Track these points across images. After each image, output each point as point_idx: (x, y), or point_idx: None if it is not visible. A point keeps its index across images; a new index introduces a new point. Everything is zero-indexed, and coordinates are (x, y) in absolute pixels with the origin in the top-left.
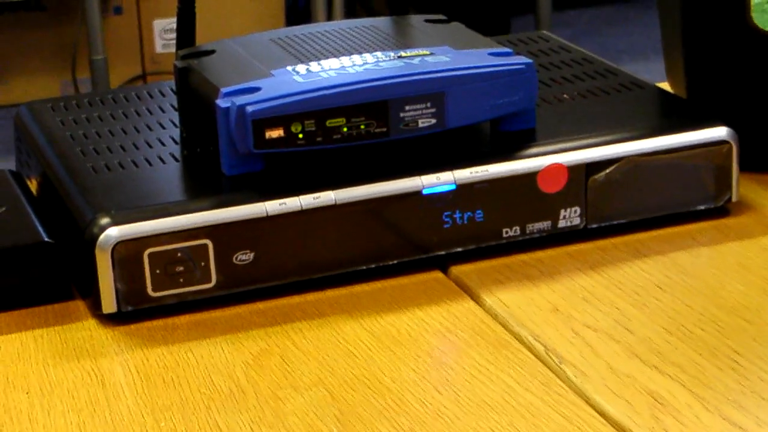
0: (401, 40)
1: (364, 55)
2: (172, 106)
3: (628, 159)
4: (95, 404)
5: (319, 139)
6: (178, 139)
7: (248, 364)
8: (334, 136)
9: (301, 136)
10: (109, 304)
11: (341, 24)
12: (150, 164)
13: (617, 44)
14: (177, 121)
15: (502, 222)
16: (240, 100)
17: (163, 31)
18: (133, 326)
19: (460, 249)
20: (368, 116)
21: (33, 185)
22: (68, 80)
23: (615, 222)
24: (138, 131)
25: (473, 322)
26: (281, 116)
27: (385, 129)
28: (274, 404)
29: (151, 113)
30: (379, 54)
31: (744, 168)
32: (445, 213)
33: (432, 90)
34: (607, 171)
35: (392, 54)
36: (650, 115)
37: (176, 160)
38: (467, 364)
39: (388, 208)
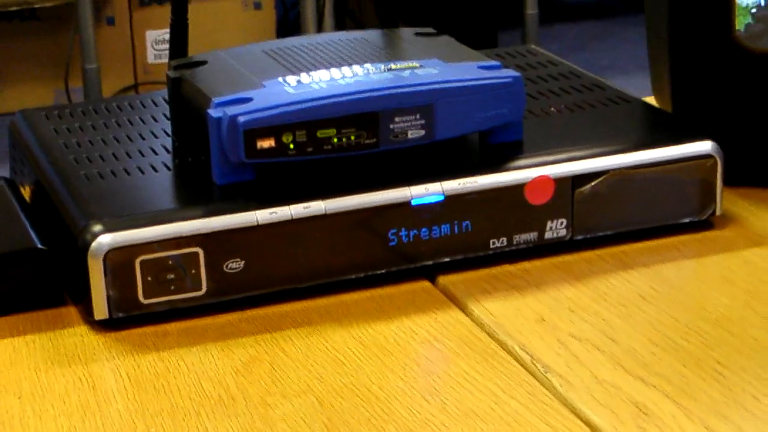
0: (391, 52)
1: (354, 66)
2: (164, 115)
3: (614, 172)
4: (86, 409)
5: (309, 149)
6: (170, 148)
7: (238, 371)
8: (325, 147)
9: (291, 146)
10: (100, 311)
11: (332, 36)
12: (142, 173)
13: (601, 59)
14: (169, 131)
15: (489, 233)
16: (232, 110)
17: (155, 41)
18: (124, 332)
19: (447, 259)
20: (358, 127)
21: (26, 192)
22: (61, 89)
23: (600, 234)
24: (130, 140)
25: (460, 331)
26: (272, 126)
27: (374, 140)
28: (263, 411)
29: (143, 122)
30: (369, 66)
31: (728, 182)
32: (434, 223)
33: (421, 102)
34: (593, 183)
35: (382, 66)
36: (636, 129)
37: (168, 169)
38: (454, 372)
39: (377, 218)
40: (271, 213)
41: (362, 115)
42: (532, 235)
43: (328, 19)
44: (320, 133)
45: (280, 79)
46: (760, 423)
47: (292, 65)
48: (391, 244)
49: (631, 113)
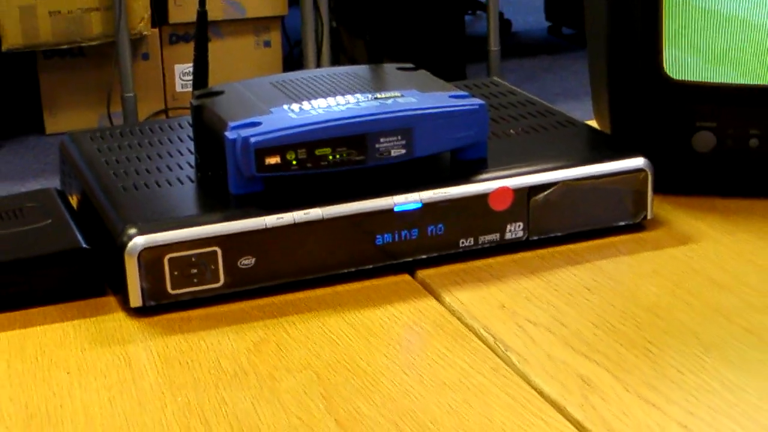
0: (377, 84)
1: (346, 96)
2: (189, 136)
3: (563, 183)
4: (123, 382)
5: (309, 165)
6: (193, 164)
7: (250, 350)
8: (322, 163)
9: (294, 162)
10: (135, 300)
11: (328, 71)
12: (170, 185)
13: (553, 87)
14: (192, 149)
15: (459, 234)
16: (245, 132)
17: (182, 73)
18: (155, 318)
19: (424, 256)
20: (349, 146)
21: (74, 201)
22: (104, 114)
23: (552, 235)
24: (160, 157)
25: (435, 316)
26: (278, 146)
27: (363, 157)
28: (270, 383)
29: (171, 142)
30: (359, 95)
31: (658, 191)
32: (413, 227)
33: (402, 125)
34: (546, 193)
35: (369, 95)
36: (581, 148)
37: (192, 181)
38: (430, 351)
39: (365, 222)
40: (277, 218)
41: (353, 136)
42: (494, 236)
43: (326, 55)
44: (318, 152)
45: (285, 106)
46: (684, 393)
47: (295, 95)
48: (377, 243)
49: (577, 134)
